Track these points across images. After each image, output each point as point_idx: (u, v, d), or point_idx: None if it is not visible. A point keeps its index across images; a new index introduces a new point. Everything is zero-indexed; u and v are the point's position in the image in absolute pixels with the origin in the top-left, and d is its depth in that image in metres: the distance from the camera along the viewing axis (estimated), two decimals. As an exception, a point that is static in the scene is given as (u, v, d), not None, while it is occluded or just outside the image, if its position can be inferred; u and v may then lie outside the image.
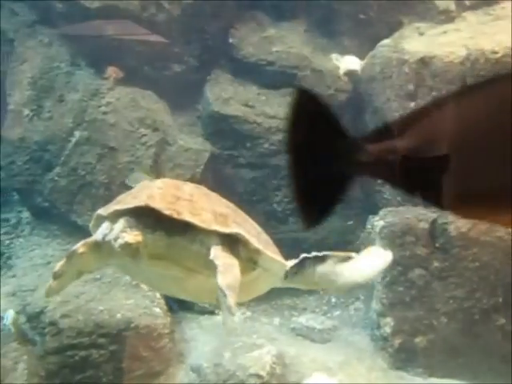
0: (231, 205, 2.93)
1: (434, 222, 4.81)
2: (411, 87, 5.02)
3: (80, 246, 2.78)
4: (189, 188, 2.79)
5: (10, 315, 4.59)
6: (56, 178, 5.34)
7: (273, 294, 5.53)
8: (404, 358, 4.79)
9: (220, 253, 2.59)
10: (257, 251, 2.73)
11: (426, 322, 4.78)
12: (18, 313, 4.62)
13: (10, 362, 4.45)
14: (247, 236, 2.69)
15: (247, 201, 5.49)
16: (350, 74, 5.59)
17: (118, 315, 4.49)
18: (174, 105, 5.59)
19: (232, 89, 5.61)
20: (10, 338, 4.54)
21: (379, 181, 5.36)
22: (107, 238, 2.65)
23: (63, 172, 5.31)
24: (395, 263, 4.76)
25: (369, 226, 5.16)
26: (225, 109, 5.48)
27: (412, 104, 4.97)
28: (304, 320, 5.19)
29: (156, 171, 5.18)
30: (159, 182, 2.78)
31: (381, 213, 5.01)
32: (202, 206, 2.68)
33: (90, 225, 2.95)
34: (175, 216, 2.57)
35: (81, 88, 5.43)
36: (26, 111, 5.51)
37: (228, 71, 5.71)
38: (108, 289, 4.73)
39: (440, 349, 4.76)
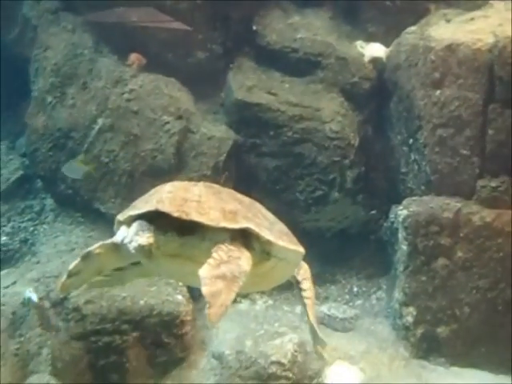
0: (245, 199, 3.11)
1: (458, 211, 4.88)
2: (437, 75, 5.04)
3: (96, 248, 3.02)
4: (198, 189, 2.96)
5: (33, 298, 4.73)
6: None
7: (292, 285, 5.67)
8: (426, 347, 4.89)
9: (224, 247, 2.79)
10: (268, 242, 2.90)
11: (449, 312, 4.87)
12: (41, 298, 4.78)
13: (34, 347, 4.65)
14: (257, 229, 2.87)
15: (270, 190, 5.60)
16: (375, 61, 5.65)
17: (141, 302, 4.62)
18: (197, 92, 5.66)
19: (255, 76, 5.69)
20: (34, 323, 4.71)
21: (403, 169, 5.42)
22: (124, 242, 2.87)
23: (87, 159, 5.41)
24: (418, 253, 4.90)
25: (392, 216, 5.22)
26: (248, 97, 5.54)
27: (438, 92, 5.01)
28: (326, 309, 5.29)
29: (178, 159, 5.27)
30: (168, 186, 2.95)
31: (404, 202, 5.07)
32: (210, 206, 2.86)
33: (114, 228, 3.12)
34: (184, 217, 2.75)
35: (104, 75, 5.55)
36: (50, 98, 5.66)
37: (252, 59, 5.78)
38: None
39: (462, 339, 4.86)
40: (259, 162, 5.59)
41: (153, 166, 5.29)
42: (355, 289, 5.70)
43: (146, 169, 5.31)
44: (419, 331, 4.90)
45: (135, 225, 2.82)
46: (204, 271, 2.69)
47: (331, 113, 5.54)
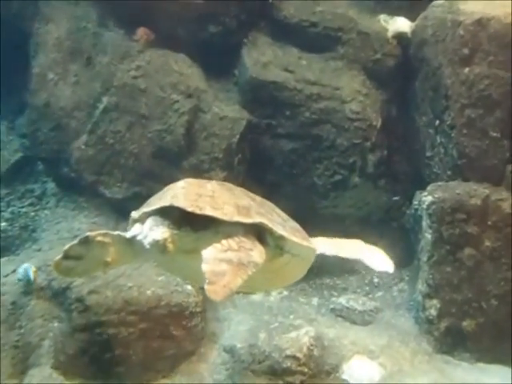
0: (257, 197, 3.30)
1: (486, 198, 4.91)
2: (466, 51, 5.05)
3: (98, 234, 3.17)
4: (211, 185, 3.15)
5: (29, 269, 4.79)
6: (83, 147, 5.53)
7: (311, 273, 5.58)
8: (450, 342, 4.94)
9: (236, 239, 2.96)
10: (282, 237, 3.09)
11: (475, 305, 4.90)
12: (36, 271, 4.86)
13: (35, 339, 4.74)
14: (270, 224, 3.07)
15: (286, 174, 5.65)
16: (400, 37, 5.66)
17: (148, 292, 4.68)
18: (209, 69, 5.66)
19: (271, 52, 5.69)
20: (35, 314, 4.81)
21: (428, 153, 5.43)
22: (138, 238, 3.03)
23: (91, 140, 5.50)
24: (443, 242, 4.93)
25: (416, 202, 5.22)
26: (263, 74, 5.56)
27: (467, 70, 5.03)
28: (344, 300, 5.35)
29: (188, 140, 5.31)
30: (182, 183, 3.13)
31: (429, 188, 5.09)
32: (224, 201, 3.05)
33: (127, 228, 3.27)
34: (198, 211, 2.92)
35: (109, 50, 5.58)
36: (51, 75, 5.71)
37: (267, 33, 5.78)
38: (138, 264, 4.87)
39: (489, 333, 4.90)
40: (275, 144, 5.61)
41: (161, 147, 5.33)
42: (375, 280, 5.73)
43: (154, 151, 5.35)
44: (443, 325, 4.94)
45: (149, 220, 2.99)
46: (208, 252, 2.87)
47: (352, 92, 5.57)
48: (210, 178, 5.09)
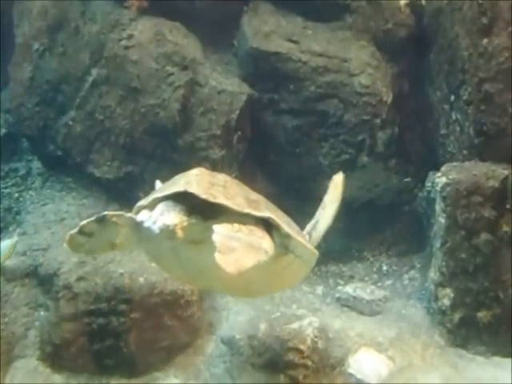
0: (262, 197, 3.56)
1: (505, 179, 4.89)
2: (485, 21, 5.01)
3: (115, 215, 3.39)
4: (222, 177, 3.42)
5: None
6: (71, 123, 5.54)
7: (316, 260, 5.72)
8: (464, 334, 4.93)
9: (248, 227, 3.20)
10: (287, 236, 3.37)
11: (492, 295, 4.88)
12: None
13: (20, 329, 4.77)
14: (278, 221, 3.34)
15: (289, 152, 5.65)
16: (413, 5, 5.65)
17: (141, 279, 4.69)
18: (206, 39, 5.65)
19: (274, 21, 5.68)
20: (20, 302, 4.85)
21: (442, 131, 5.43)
22: (146, 224, 3.24)
23: (79, 116, 5.51)
24: (458, 227, 4.91)
25: (428, 184, 5.22)
26: (265, 45, 5.54)
27: (485, 41, 4.98)
28: (351, 289, 5.36)
29: (184, 116, 5.30)
30: (195, 170, 3.39)
31: (443, 168, 5.07)
32: (236, 192, 3.32)
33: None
34: (211, 199, 3.16)
35: (99, 19, 5.55)
36: (36, 45, 5.70)
37: (269, 0, 5.76)
38: (129, 249, 4.79)
39: (506, 325, 4.87)
40: (277, 120, 5.60)
41: (155, 124, 5.32)
42: (385, 267, 5.75)
43: (147, 127, 5.35)
44: (457, 316, 4.93)
45: (160, 206, 3.21)
46: (220, 227, 3.08)
47: (361, 64, 5.55)
48: (206, 157, 5.25)
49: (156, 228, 3.16)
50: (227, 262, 2.98)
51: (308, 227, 4.11)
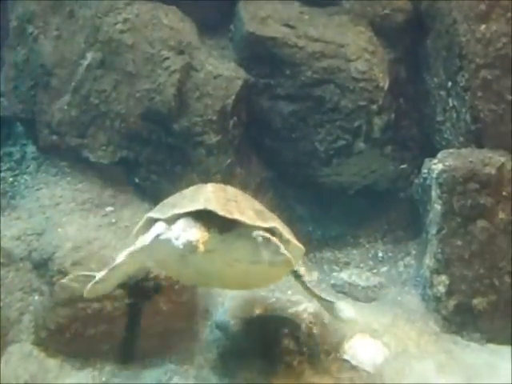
0: (261, 205, 4.04)
1: (501, 166, 4.92)
2: (483, 7, 5.03)
3: (125, 259, 3.88)
4: (231, 190, 3.90)
5: None
6: (65, 108, 5.50)
7: (311, 246, 5.69)
8: (459, 321, 4.94)
9: (270, 237, 3.66)
10: (287, 241, 3.84)
11: (487, 282, 4.91)
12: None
13: (14, 313, 4.74)
14: (281, 229, 3.82)
15: (285, 138, 5.63)
16: (410, -9, 5.59)
17: None
18: (202, 24, 5.62)
19: (270, 6, 5.66)
20: (14, 287, 4.82)
21: (439, 117, 5.44)
22: (163, 237, 3.66)
23: (74, 100, 5.47)
24: (454, 213, 4.93)
25: (425, 171, 5.22)
26: (261, 29, 5.51)
27: (483, 27, 5.01)
28: (346, 276, 5.39)
29: (179, 101, 5.27)
30: (210, 187, 3.84)
31: (439, 155, 5.08)
32: (245, 205, 3.78)
33: (138, 227, 4.02)
34: (228, 216, 3.60)
35: (94, 2, 5.49)
36: (31, 29, 5.65)
37: (265, -15, 5.69)
38: (125, 234, 4.86)
39: (501, 312, 4.90)
40: (273, 105, 5.58)
41: (150, 108, 5.30)
42: (380, 254, 5.76)
43: (143, 112, 5.32)
44: (452, 303, 4.95)
45: (182, 221, 3.58)
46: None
47: (357, 50, 5.52)
48: (201, 142, 5.25)
49: (180, 243, 3.52)
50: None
51: None
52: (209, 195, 3.72)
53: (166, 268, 4.25)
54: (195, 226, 3.55)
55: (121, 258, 3.91)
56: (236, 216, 3.63)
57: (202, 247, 3.51)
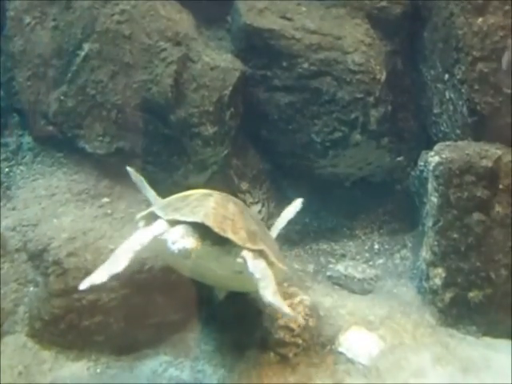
0: (256, 218, 4.52)
1: (498, 159, 4.87)
2: (480, 0, 4.98)
3: (128, 256, 3.99)
4: (232, 207, 4.18)
5: None
6: (62, 98, 5.43)
7: (308, 238, 5.74)
8: (455, 313, 4.91)
9: (253, 261, 3.97)
10: (272, 263, 4.10)
11: (483, 275, 4.86)
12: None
13: (9, 305, 4.67)
14: (268, 252, 4.10)
15: (282, 129, 5.60)
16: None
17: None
18: (200, 15, 5.59)
19: (267, -3, 5.60)
20: (9, 277, 4.75)
21: (435, 109, 5.39)
22: (163, 236, 3.94)
23: (70, 91, 5.39)
24: (450, 206, 4.88)
25: (421, 163, 5.20)
26: (258, 21, 5.48)
27: (480, 19, 4.98)
28: (342, 268, 5.33)
29: (176, 92, 5.22)
30: (213, 202, 4.11)
31: (436, 147, 5.03)
32: (241, 226, 4.07)
33: (141, 215, 4.29)
34: (222, 233, 3.92)
35: (91, -7, 5.43)
36: (28, 19, 5.57)
37: (263, -24, 5.66)
38: (120, 225, 4.85)
39: (497, 305, 4.86)
40: (270, 97, 5.55)
41: (147, 99, 5.23)
42: (376, 246, 5.75)
43: (139, 102, 5.25)
44: (448, 295, 4.91)
45: (181, 228, 3.91)
46: (271, 298, 3.86)
47: (354, 42, 5.49)
48: (198, 133, 5.18)
49: (175, 248, 3.84)
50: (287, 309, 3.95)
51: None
52: (209, 211, 4.01)
53: (164, 259, 4.44)
54: (193, 235, 3.88)
55: (122, 256, 4.02)
56: (228, 235, 3.95)
57: (193, 255, 3.87)
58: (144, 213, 4.27)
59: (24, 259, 4.82)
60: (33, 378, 4.36)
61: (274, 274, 4.03)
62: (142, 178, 4.74)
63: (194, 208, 4.04)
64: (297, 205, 4.92)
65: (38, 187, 5.34)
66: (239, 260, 3.99)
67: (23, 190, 5.37)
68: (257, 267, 3.95)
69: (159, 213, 4.09)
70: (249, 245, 4.02)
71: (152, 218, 4.15)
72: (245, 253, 3.98)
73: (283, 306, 3.90)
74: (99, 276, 3.94)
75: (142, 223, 4.26)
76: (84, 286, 3.93)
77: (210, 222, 3.92)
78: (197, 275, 4.43)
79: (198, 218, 3.92)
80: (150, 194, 4.70)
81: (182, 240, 3.85)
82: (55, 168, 5.50)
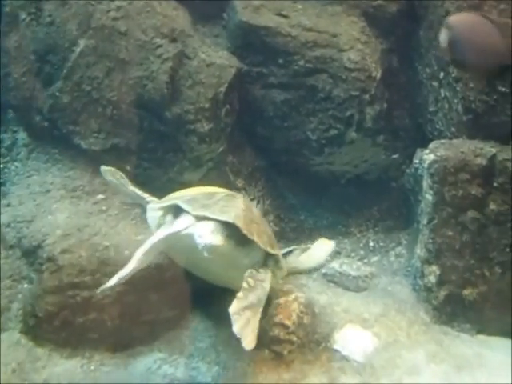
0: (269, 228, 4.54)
1: (493, 157, 4.83)
2: None
3: (152, 246, 4.19)
4: (255, 212, 4.38)
5: None
6: (57, 94, 5.37)
7: (303, 235, 5.70)
8: (450, 311, 4.87)
9: (254, 272, 4.13)
10: (281, 268, 4.36)
11: (478, 272, 4.83)
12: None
13: (3, 301, 4.62)
14: (280, 255, 4.34)
15: (277, 127, 5.55)
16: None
17: (126, 252, 4.55)
18: (196, 12, 5.57)
19: (264, -6, 5.56)
20: (3, 274, 4.71)
21: (431, 107, 5.39)
22: (188, 230, 4.06)
23: (66, 87, 5.33)
24: (445, 204, 4.85)
25: (416, 161, 5.16)
26: (254, 18, 5.44)
27: None
28: (337, 265, 5.28)
29: (172, 88, 5.18)
30: (242, 203, 4.22)
31: (431, 145, 5.00)
32: (263, 229, 4.21)
33: (161, 205, 4.41)
34: (249, 236, 4.05)
35: (87, -11, 5.38)
36: (23, 15, 5.52)
37: (259, -28, 5.62)
38: (115, 222, 4.83)
39: (492, 303, 4.83)
40: (266, 94, 5.51)
41: (142, 95, 5.18)
42: (371, 243, 5.72)
43: (135, 99, 5.21)
44: (443, 293, 4.87)
45: (212, 224, 4.02)
46: (234, 308, 3.89)
47: (350, 39, 5.45)
48: (194, 130, 5.14)
49: (202, 242, 3.97)
50: (251, 342, 3.84)
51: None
52: (239, 212, 4.10)
53: (169, 252, 4.49)
54: (222, 233, 4.00)
55: (148, 245, 4.19)
56: (255, 238, 4.07)
57: (216, 251, 4.00)
58: (164, 204, 4.35)
59: (18, 255, 4.77)
60: (26, 376, 4.31)
61: (276, 276, 4.30)
62: (122, 174, 4.75)
63: (224, 207, 4.14)
64: (328, 248, 4.93)
65: (32, 183, 5.30)
66: (252, 260, 4.16)
67: (18, 187, 5.33)
68: (260, 280, 4.11)
69: (185, 207, 4.15)
70: (269, 249, 4.19)
71: (167, 210, 4.33)
72: (259, 254, 4.20)
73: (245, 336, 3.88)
74: (127, 270, 4.13)
75: (158, 213, 4.40)
76: (113, 281, 4.11)
77: (240, 224, 4.02)
78: (199, 270, 4.46)
79: (229, 218, 4.02)
80: (136, 189, 4.68)
81: (210, 235, 3.97)
82: (50, 164, 5.46)
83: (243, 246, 4.10)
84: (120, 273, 4.12)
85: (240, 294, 3.95)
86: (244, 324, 3.86)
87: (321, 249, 4.91)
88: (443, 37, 4.56)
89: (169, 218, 4.33)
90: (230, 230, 4.02)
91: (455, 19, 4.55)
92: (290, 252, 4.79)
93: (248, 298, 3.96)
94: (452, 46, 4.52)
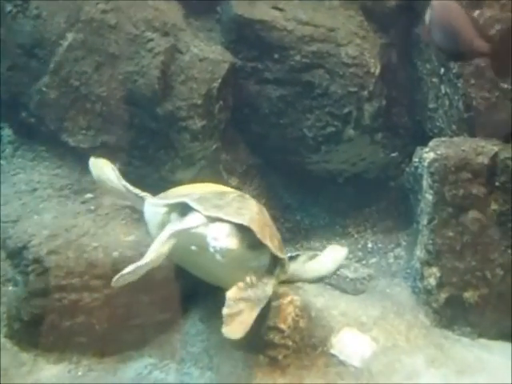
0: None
1: (494, 156, 4.79)
2: None
3: (167, 240, 4.06)
4: (266, 215, 4.29)
5: None
6: (44, 90, 5.30)
7: (299, 236, 5.72)
8: (450, 314, 4.83)
9: (259, 273, 4.09)
10: (286, 271, 4.34)
11: (479, 274, 4.79)
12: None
13: (-14, 304, 4.54)
14: (287, 259, 4.32)
15: (273, 124, 5.54)
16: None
17: (115, 253, 4.51)
18: (189, 5, 5.53)
19: (259, -13, 5.52)
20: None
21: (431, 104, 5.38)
22: (199, 230, 3.98)
23: (53, 82, 5.27)
24: (446, 203, 4.80)
25: (416, 159, 5.12)
26: (249, 12, 5.40)
27: (476, 13, 4.93)
28: (334, 267, 5.23)
29: (163, 84, 5.13)
30: (256, 208, 4.18)
31: (431, 143, 4.96)
32: (273, 233, 4.19)
33: (166, 202, 4.29)
34: (263, 240, 4.00)
35: (75, -20, 5.33)
36: (9, 7, 5.41)
37: (255, -35, 5.60)
38: (104, 222, 4.77)
39: (493, 305, 4.79)
40: (261, 90, 5.47)
41: (133, 91, 5.13)
42: (370, 244, 5.69)
43: (125, 95, 5.16)
44: (443, 296, 4.82)
45: (228, 227, 3.94)
46: (231, 293, 3.89)
47: (348, 34, 5.42)
48: (186, 127, 5.08)
49: (217, 245, 3.89)
50: (232, 330, 3.79)
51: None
52: (254, 216, 4.05)
53: (176, 258, 4.38)
54: (237, 237, 3.91)
55: (162, 239, 4.06)
56: (267, 242, 4.03)
57: (229, 255, 3.92)
58: (172, 201, 4.26)
59: (3, 257, 4.69)
60: (11, 381, 4.24)
61: (279, 277, 4.27)
62: (113, 166, 4.73)
63: (239, 209, 4.08)
64: (339, 257, 4.96)
65: (18, 182, 5.25)
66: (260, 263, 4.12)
67: (3, 185, 5.25)
68: (263, 282, 4.09)
69: (196, 206, 4.07)
70: (278, 253, 4.15)
71: (173, 208, 4.23)
72: (268, 257, 4.14)
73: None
74: (146, 260, 4.04)
75: (161, 210, 4.29)
76: (130, 268, 4.02)
77: (255, 227, 3.97)
78: (200, 271, 4.41)
79: (244, 221, 3.96)
80: (128, 184, 4.63)
81: (226, 239, 3.90)
82: (37, 162, 5.42)
83: (254, 250, 4.04)
84: (138, 263, 4.02)
85: (241, 284, 3.94)
86: (235, 312, 3.85)
87: (331, 257, 4.90)
88: (427, 16, 4.59)
89: (174, 215, 4.23)
90: (243, 232, 3.95)
91: (437, 2, 4.55)
92: (295, 257, 4.76)
93: (247, 291, 3.94)
94: (431, 25, 4.55)
